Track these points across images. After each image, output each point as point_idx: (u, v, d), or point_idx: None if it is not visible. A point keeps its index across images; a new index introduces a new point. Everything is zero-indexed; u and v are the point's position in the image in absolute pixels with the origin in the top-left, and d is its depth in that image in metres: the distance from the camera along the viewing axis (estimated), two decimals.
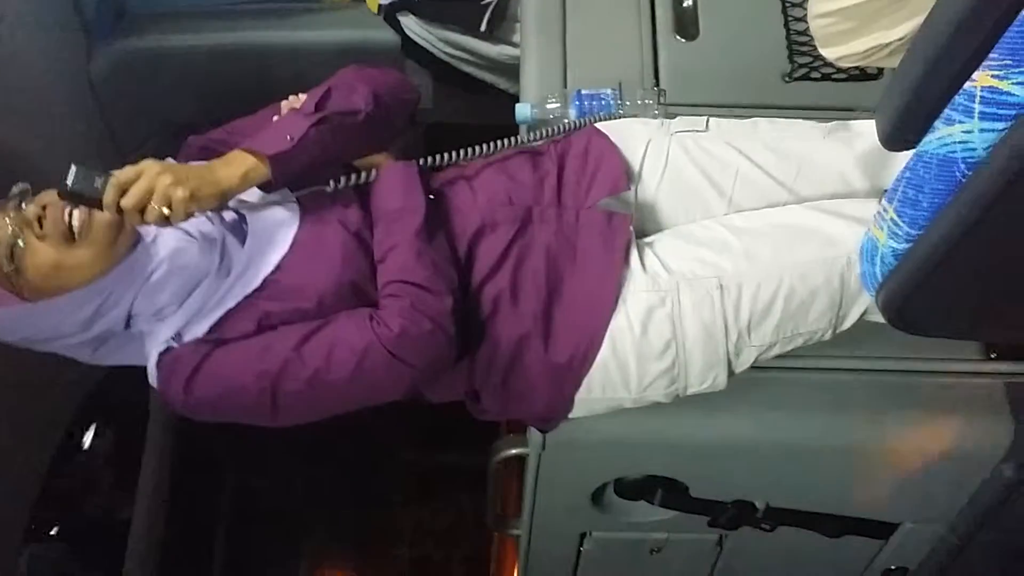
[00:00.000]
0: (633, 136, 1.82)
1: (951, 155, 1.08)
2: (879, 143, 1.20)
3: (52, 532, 2.79)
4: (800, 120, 1.84)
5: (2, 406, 2.27)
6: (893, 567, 2.25)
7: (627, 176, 1.76)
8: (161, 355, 1.58)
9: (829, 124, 1.81)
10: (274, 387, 1.53)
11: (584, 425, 1.76)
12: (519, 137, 1.83)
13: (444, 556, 3.64)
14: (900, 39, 1.62)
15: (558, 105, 1.97)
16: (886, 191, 1.27)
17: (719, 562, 2.30)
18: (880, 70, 1.99)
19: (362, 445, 3.45)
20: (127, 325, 1.62)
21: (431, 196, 1.70)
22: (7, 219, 1.54)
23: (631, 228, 1.69)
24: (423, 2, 2.64)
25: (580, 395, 1.68)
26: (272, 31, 2.76)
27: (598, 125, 1.86)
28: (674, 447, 1.90)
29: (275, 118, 1.75)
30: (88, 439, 2.90)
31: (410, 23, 2.69)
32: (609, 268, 1.66)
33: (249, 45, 2.76)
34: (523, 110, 1.99)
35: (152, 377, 1.59)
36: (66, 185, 1.49)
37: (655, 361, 1.65)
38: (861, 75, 2.02)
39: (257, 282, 1.61)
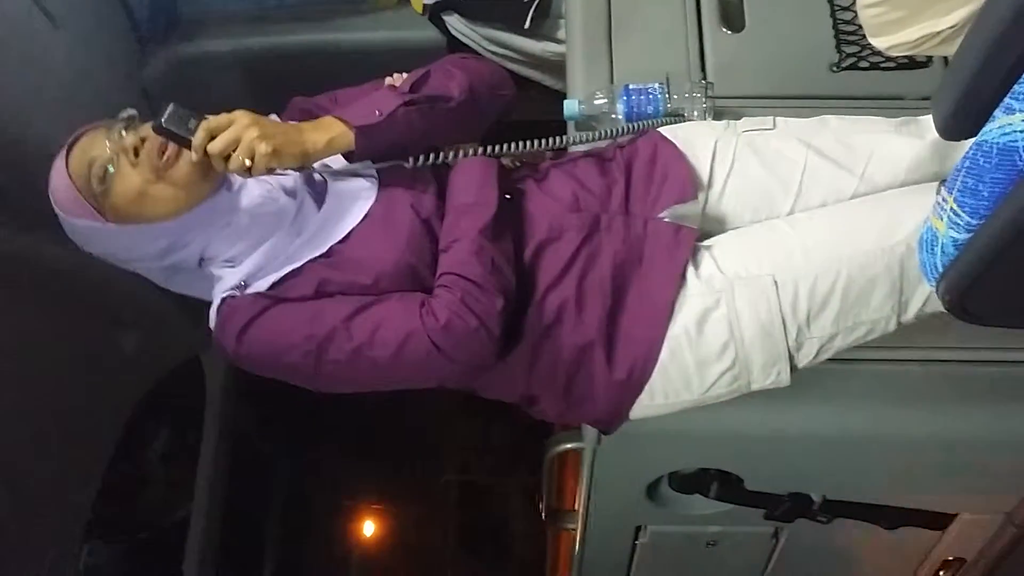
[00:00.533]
0: (700, 141, 1.81)
1: (1012, 144, 1.07)
2: None
3: (110, 530, 2.82)
4: (870, 116, 1.82)
5: (62, 406, 2.30)
6: (951, 558, 2.23)
7: (694, 185, 1.75)
8: (222, 302, 1.63)
9: (899, 119, 1.79)
10: (319, 352, 1.57)
11: (648, 416, 1.75)
12: (593, 133, 1.86)
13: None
14: (952, 27, 1.60)
15: (606, 100, 1.97)
16: (944, 180, 1.26)
17: (775, 555, 2.29)
18: (929, 58, 1.98)
19: (410, 439, 3.48)
20: (200, 264, 1.68)
21: (507, 196, 1.71)
22: (108, 141, 1.60)
23: (693, 241, 1.69)
24: (467, 1, 2.65)
25: (642, 401, 1.68)
26: (319, 33, 2.79)
27: (664, 130, 1.85)
28: (729, 440, 1.90)
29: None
30: (145, 439, 2.93)
31: (455, 22, 2.71)
32: (668, 282, 1.66)
33: (297, 47, 2.80)
34: (571, 106, 2.00)
35: (211, 320, 1.65)
36: (160, 121, 1.54)
37: (715, 363, 1.65)
38: (910, 63, 2.00)
39: (324, 247, 1.65)
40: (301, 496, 3.53)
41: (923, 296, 1.64)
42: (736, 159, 1.77)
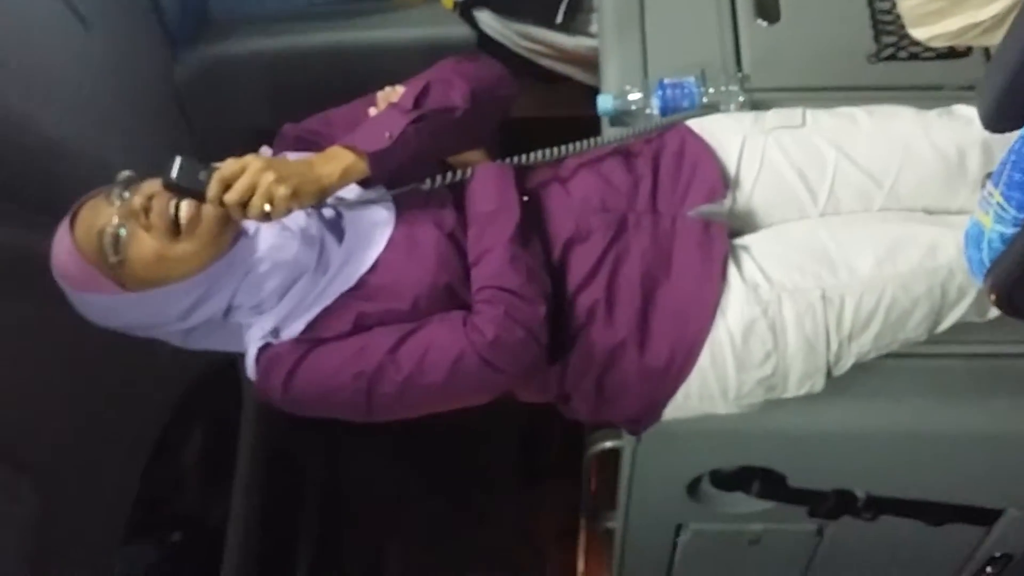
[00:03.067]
0: (727, 136, 1.79)
1: None
2: (981, 134, 1.17)
3: (147, 534, 2.82)
4: (900, 109, 1.79)
5: (97, 409, 2.31)
6: (998, 554, 2.20)
7: (723, 182, 1.73)
8: (260, 351, 1.60)
9: (931, 113, 1.76)
10: (369, 388, 1.55)
11: (679, 418, 1.74)
12: (609, 136, 1.82)
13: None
14: (993, 16, 1.58)
15: (640, 96, 1.95)
16: (990, 174, 1.24)
17: (818, 552, 2.27)
18: (969, 47, 1.95)
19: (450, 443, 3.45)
20: (225, 315, 1.64)
21: (525, 197, 1.69)
22: (113, 208, 1.55)
23: (727, 237, 1.68)
24: None
25: (676, 400, 1.67)
26: (350, 32, 2.76)
27: (691, 124, 1.83)
28: (772, 437, 1.87)
29: (371, 110, 1.76)
30: (181, 442, 2.93)
31: (486, 18, 2.68)
32: (709, 280, 1.64)
33: (328, 46, 2.77)
34: (605, 102, 1.98)
35: (250, 370, 1.62)
36: (170, 177, 1.49)
37: (755, 370, 1.64)
38: (950, 53, 1.96)
39: (353, 280, 1.62)
40: (338, 496, 3.52)
41: (956, 316, 1.66)
42: (765, 160, 1.75)
